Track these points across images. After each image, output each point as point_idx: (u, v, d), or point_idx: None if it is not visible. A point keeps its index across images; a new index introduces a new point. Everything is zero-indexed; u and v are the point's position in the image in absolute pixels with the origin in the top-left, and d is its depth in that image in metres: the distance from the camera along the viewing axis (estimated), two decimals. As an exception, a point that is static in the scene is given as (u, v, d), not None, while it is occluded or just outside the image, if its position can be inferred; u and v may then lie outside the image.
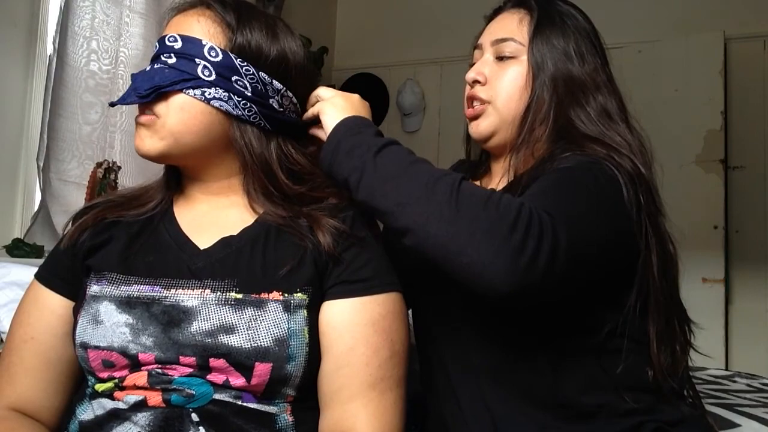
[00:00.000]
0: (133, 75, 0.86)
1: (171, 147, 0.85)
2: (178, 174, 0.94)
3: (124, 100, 0.84)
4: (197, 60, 0.84)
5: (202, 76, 0.84)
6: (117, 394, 0.80)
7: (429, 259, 0.76)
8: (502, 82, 0.99)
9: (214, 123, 0.86)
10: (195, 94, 0.84)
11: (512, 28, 1.00)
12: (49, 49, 2.04)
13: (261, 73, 0.88)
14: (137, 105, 0.86)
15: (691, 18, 3.25)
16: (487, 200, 0.74)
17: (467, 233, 0.72)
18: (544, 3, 1.01)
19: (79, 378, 0.89)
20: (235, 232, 0.87)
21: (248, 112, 0.87)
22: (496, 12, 1.07)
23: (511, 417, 0.88)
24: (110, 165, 2.06)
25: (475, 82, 1.01)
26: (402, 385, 0.83)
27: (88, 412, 0.82)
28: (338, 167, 0.84)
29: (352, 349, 0.80)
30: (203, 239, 0.87)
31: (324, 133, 0.90)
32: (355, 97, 0.98)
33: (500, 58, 1.00)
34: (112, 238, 0.89)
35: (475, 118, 1.01)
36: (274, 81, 0.89)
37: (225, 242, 0.86)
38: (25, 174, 2.07)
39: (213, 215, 0.90)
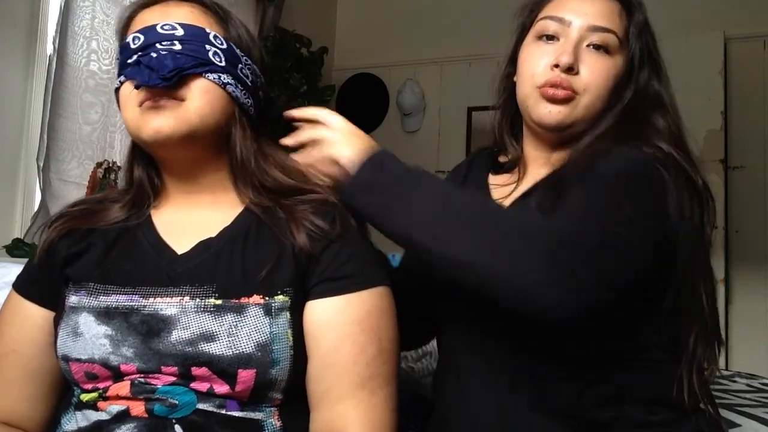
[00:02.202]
0: (134, 61, 0.81)
1: (196, 130, 0.81)
2: (156, 175, 0.92)
3: (148, 81, 0.78)
4: (207, 46, 0.82)
5: (215, 62, 0.82)
6: (100, 404, 0.79)
7: (473, 290, 0.75)
8: (599, 78, 0.91)
9: (226, 109, 0.84)
10: (213, 78, 0.82)
11: (614, 19, 0.92)
12: (49, 49, 2.04)
13: (252, 64, 0.89)
14: (143, 89, 0.81)
15: (691, 18, 3.24)
16: (532, 228, 0.73)
17: (515, 262, 0.71)
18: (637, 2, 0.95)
19: (63, 387, 0.87)
20: (214, 233, 0.85)
21: (248, 101, 0.87)
22: None
23: (525, 426, 0.86)
24: (110, 165, 2.06)
25: (569, 69, 0.90)
26: (392, 381, 0.81)
27: (72, 423, 0.81)
28: (367, 205, 0.82)
29: (337, 349, 0.78)
30: (182, 243, 0.85)
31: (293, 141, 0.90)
32: (361, 132, 0.90)
33: (596, 47, 0.91)
34: (90, 247, 0.86)
35: (558, 102, 0.91)
36: (260, 74, 0.91)
37: (204, 245, 0.84)
38: (25, 174, 2.07)
39: (192, 217, 0.88)
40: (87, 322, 0.80)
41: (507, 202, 0.96)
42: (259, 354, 0.76)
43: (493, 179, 1.03)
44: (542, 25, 0.94)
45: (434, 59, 3.89)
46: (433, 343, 1.69)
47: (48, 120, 1.99)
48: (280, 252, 0.81)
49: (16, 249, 1.85)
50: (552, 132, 0.94)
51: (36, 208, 2.03)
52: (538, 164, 0.98)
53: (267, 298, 0.78)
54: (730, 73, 3.19)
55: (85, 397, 0.80)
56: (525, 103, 0.95)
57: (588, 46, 0.91)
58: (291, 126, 0.94)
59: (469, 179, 1.07)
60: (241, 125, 0.86)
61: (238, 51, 0.86)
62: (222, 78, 0.83)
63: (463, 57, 3.83)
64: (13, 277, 1.47)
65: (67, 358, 0.80)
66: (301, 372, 0.80)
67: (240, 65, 0.86)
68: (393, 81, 3.98)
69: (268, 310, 0.78)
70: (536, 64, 0.93)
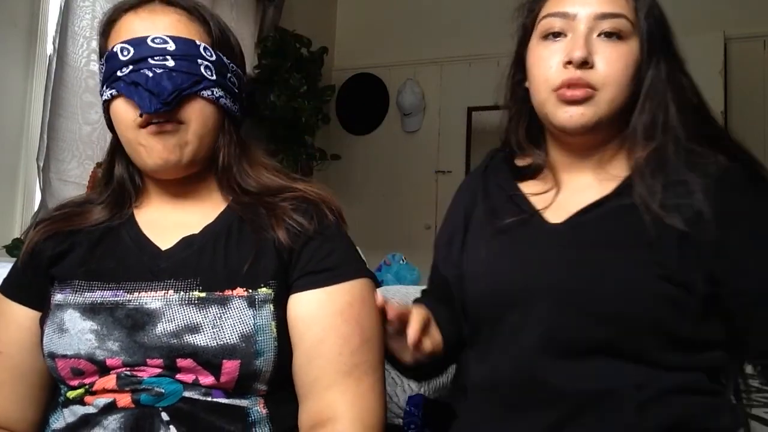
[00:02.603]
0: (126, 76, 0.81)
1: (196, 152, 0.84)
2: (137, 174, 0.92)
3: (150, 108, 0.78)
4: (198, 60, 0.82)
5: (207, 76, 0.83)
6: (87, 398, 0.79)
7: None
8: (617, 68, 0.84)
9: (217, 122, 0.86)
10: (207, 95, 0.83)
11: (620, 1, 0.85)
12: (49, 49, 2.04)
13: (236, 67, 0.89)
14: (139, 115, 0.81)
15: (691, 18, 3.24)
16: None
17: None
18: None
19: (52, 388, 0.88)
20: (197, 231, 0.86)
21: (235, 107, 0.88)
22: None
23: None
24: (110, 165, 2.06)
25: (584, 64, 0.83)
26: (379, 369, 0.82)
27: (60, 420, 0.81)
28: None
29: (322, 341, 0.80)
30: (165, 240, 0.86)
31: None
32: None
33: (608, 35, 0.84)
34: (75, 246, 0.87)
35: (577, 103, 0.84)
36: (242, 73, 0.90)
37: (187, 242, 0.85)
38: (25, 174, 2.07)
39: (175, 216, 0.89)
40: (72, 319, 0.80)
41: (553, 214, 0.90)
42: (243, 345, 0.77)
43: (525, 187, 0.95)
44: (546, 24, 0.87)
45: (434, 59, 3.89)
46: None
47: (48, 120, 2.00)
48: (262, 247, 0.83)
49: (16, 249, 1.85)
50: (578, 136, 0.87)
51: (36, 208, 2.03)
52: (573, 170, 0.91)
53: (250, 291, 0.80)
54: (730, 73, 3.19)
55: (71, 394, 0.81)
56: (543, 109, 0.88)
57: (599, 35, 0.84)
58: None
59: (493, 187, 0.98)
60: (228, 133, 0.87)
61: (224, 59, 0.86)
62: (215, 92, 0.84)
63: (463, 57, 3.83)
64: (13, 277, 1.46)
65: (53, 355, 0.80)
66: (285, 363, 0.81)
67: (228, 74, 0.86)
68: (393, 81, 3.99)
69: (251, 302, 0.79)
70: (547, 65, 0.86)
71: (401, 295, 1.81)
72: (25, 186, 2.07)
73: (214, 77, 0.83)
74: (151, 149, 0.81)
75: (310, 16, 3.76)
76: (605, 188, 0.86)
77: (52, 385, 0.87)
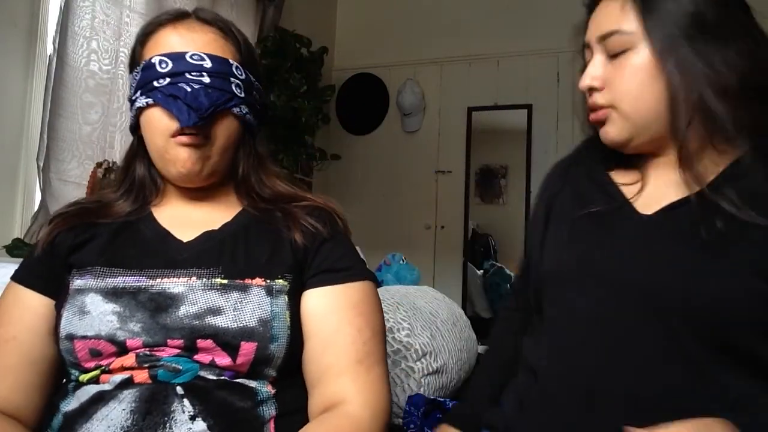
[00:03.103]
0: (164, 88, 0.86)
1: (217, 165, 0.90)
2: (158, 175, 0.96)
3: (189, 121, 0.84)
4: (231, 79, 0.89)
5: (237, 93, 0.89)
6: (103, 377, 0.81)
7: None
8: (621, 83, 0.86)
9: (239, 137, 0.92)
10: (236, 112, 0.90)
11: (615, 17, 0.86)
12: (49, 49, 2.04)
13: (259, 83, 0.95)
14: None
15: None
16: None
17: None
18: None
19: (58, 377, 0.90)
20: (216, 227, 0.91)
21: (255, 121, 0.94)
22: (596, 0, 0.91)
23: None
24: (110, 165, 2.06)
25: (591, 89, 0.88)
26: (385, 362, 0.88)
27: (71, 403, 0.82)
28: None
29: (337, 331, 0.85)
30: (185, 234, 0.91)
31: None
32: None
33: (613, 56, 0.87)
34: (95, 236, 0.90)
35: (601, 123, 0.89)
36: (261, 86, 0.97)
37: (207, 235, 0.90)
38: (25, 174, 2.07)
39: (194, 213, 0.94)
40: (94, 302, 0.83)
41: (643, 205, 0.89)
42: (261, 329, 0.82)
43: (616, 176, 0.94)
44: (585, 56, 0.93)
45: (434, 59, 3.90)
46: (433, 343, 1.69)
47: (48, 120, 2.00)
48: (279, 244, 0.89)
49: (16, 249, 1.85)
50: (623, 149, 0.90)
51: (36, 208, 2.03)
52: (659, 166, 0.91)
53: (268, 281, 0.85)
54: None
55: (84, 377, 0.83)
56: None
57: (609, 57, 0.88)
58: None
59: (582, 175, 0.98)
60: (248, 146, 0.94)
61: (251, 77, 0.93)
62: (242, 109, 0.91)
63: (463, 57, 3.83)
64: (13, 277, 1.47)
65: (72, 336, 0.82)
66: (296, 352, 0.85)
67: (253, 91, 0.94)
68: (393, 81, 3.99)
69: (269, 291, 0.85)
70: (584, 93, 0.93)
71: (401, 296, 1.82)
72: (25, 186, 2.07)
73: (243, 95, 0.90)
74: (177, 158, 0.87)
75: (310, 16, 3.76)
76: (691, 186, 0.85)
77: (59, 375, 0.89)
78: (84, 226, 0.91)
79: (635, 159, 0.93)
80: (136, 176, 0.96)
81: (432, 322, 1.80)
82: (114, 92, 2.26)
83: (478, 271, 3.84)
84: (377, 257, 2.81)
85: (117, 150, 2.28)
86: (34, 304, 0.88)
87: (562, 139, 3.61)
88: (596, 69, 0.88)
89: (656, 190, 0.89)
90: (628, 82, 0.85)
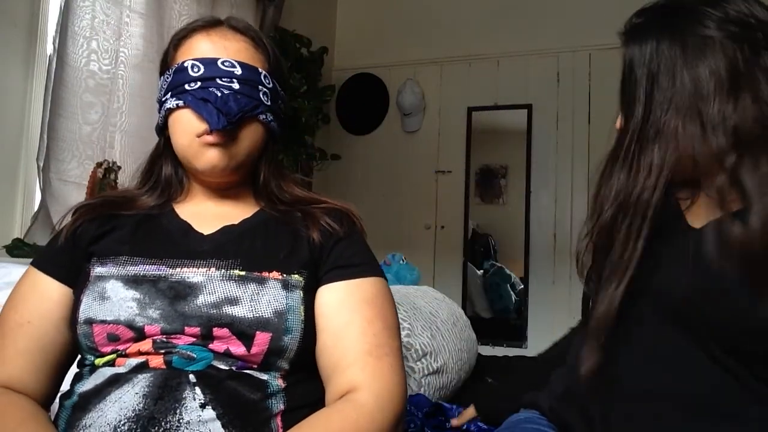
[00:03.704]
0: (195, 92, 0.90)
1: (242, 163, 0.94)
2: (183, 173, 1.01)
3: (218, 125, 0.88)
4: (259, 87, 0.93)
5: (264, 101, 0.94)
6: (119, 360, 0.84)
7: None
8: None
9: (264, 142, 0.97)
10: (263, 119, 0.94)
11: None
12: (49, 49, 2.04)
13: (284, 92, 1.00)
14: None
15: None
16: None
17: None
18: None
19: (67, 365, 0.93)
20: (235, 222, 0.95)
21: (279, 129, 0.99)
22: None
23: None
24: (110, 165, 2.06)
25: None
26: (398, 355, 0.90)
27: (86, 384, 0.84)
28: None
29: (349, 323, 0.88)
30: (206, 228, 0.94)
31: None
32: None
33: None
34: (117, 227, 0.94)
35: None
36: (286, 95, 1.01)
37: (227, 229, 0.94)
38: (25, 174, 2.07)
39: (214, 209, 0.98)
40: (115, 288, 0.86)
41: (694, 219, 0.88)
42: (276, 320, 0.85)
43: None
44: None
45: (434, 59, 3.90)
46: (433, 343, 1.69)
47: (48, 120, 2.00)
48: (297, 240, 0.93)
49: (16, 249, 1.85)
50: None
51: (36, 208, 2.03)
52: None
53: (285, 275, 0.89)
54: None
55: (99, 361, 0.86)
56: None
57: None
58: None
59: None
60: (270, 152, 0.99)
61: (277, 86, 0.98)
62: (268, 117, 0.95)
63: (463, 57, 3.83)
64: (13, 277, 1.48)
65: (91, 321, 0.85)
66: (308, 346, 0.88)
67: (279, 100, 0.98)
68: (393, 81, 3.99)
69: (285, 285, 0.88)
70: None
71: (401, 296, 1.81)
72: (25, 186, 2.07)
73: (269, 103, 0.95)
74: (203, 155, 0.91)
75: (310, 16, 3.76)
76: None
77: (67, 363, 0.93)
78: (107, 217, 0.95)
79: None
80: (162, 175, 1.00)
81: (432, 322, 1.80)
82: (114, 92, 2.26)
83: (478, 271, 3.84)
84: (377, 257, 2.81)
85: (117, 150, 2.28)
86: (51, 290, 0.91)
87: (562, 139, 3.61)
88: None
89: (703, 203, 0.88)
90: None
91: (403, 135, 3.97)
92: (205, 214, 0.97)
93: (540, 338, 3.38)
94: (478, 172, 3.82)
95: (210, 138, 0.90)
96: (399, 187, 3.93)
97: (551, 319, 3.49)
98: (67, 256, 0.93)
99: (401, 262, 2.82)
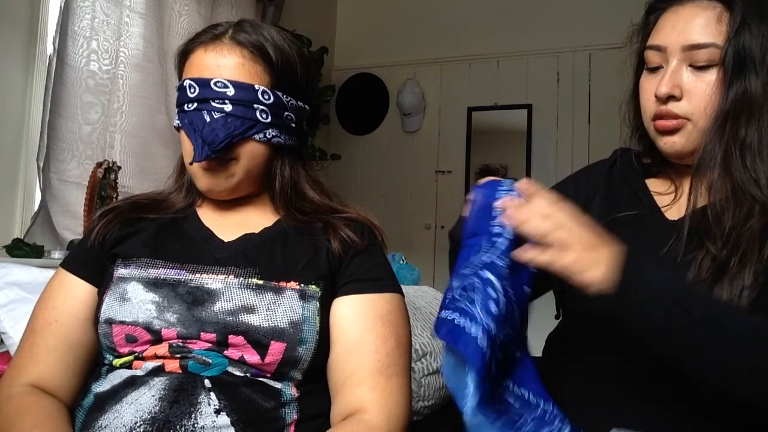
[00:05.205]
0: (190, 113, 0.90)
1: (242, 181, 0.94)
2: None
3: (200, 157, 0.88)
4: (255, 105, 0.91)
5: (261, 119, 0.91)
6: (136, 363, 0.85)
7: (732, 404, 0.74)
8: (703, 97, 0.86)
9: (269, 156, 0.95)
10: (260, 138, 0.92)
11: (711, 29, 0.85)
12: (49, 49, 2.04)
13: (298, 102, 0.97)
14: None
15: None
16: None
17: None
18: None
19: (93, 363, 0.93)
20: (256, 231, 0.96)
21: (290, 140, 0.97)
22: None
23: None
24: (110, 165, 2.06)
25: (671, 97, 0.87)
26: (407, 374, 0.90)
27: (104, 384, 0.86)
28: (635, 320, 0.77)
29: (362, 339, 0.88)
30: (226, 235, 0.96)
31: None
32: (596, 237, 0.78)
33: (698, 67, 0.87)
34: (140, 230, 0.96)
35: (670, 132, 0.89)
36: (305, 106, 0.99)
37: (247, 237, 0.95)
38: (25, 174, 2.07)
39: (236, 216, 0.99)
40: (135, 290, 0.88)
41: (673, 213, 0.93)
42: (291, 330, 0.85)
43: (651, 184, 0.98)
44: (647, 57, 0.92)
45: (434, 59, 3.89)
46: (433, 343, 1.69)
47: (48, 120, 2.00)
48: (316, 251, 0.93)
49: (16, 249, 1.85)
50: (678, 161, 0.92)
51: (36, 208, 2.03)
52: (687, 176, 0.93)
53: (302, 285, 0.89)
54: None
55: (118, 361, 0.87)
56: (650, 135, 0.94)
57: (690, 66, 0.87)
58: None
59: (618, 181, 1.00)
60: (281, 161, 0.97)
61: (283, 98, 0.94)
62: (267, 134, 0.93)
63: (463, 57, 3.83)
64: (13, 277, 1.48)
65: (111, 321, 0.86)
66: (322, 358, 0.88)
67: (285, 112, 0.95)
68: (393, 81, 3.99)
69: (302, 296, 0.88)
70: (646, 97, 0.92)
71: (401, 295, 1.82)
72: (25, 186, 2.07)
73: (269, 119, 0.92)
74: (199, 178, 0.94)
75: (310, 16, 3.76)
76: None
77: (93, 361, 0.93)
78: (131, 221, 0.97)
79: (671, 169, 0.95)
80: (186, 176, 1.02)
81: (432, 322, 1.80)
82: (114, 92, 2.26)
83: (478, 271, 3.84)
84: (377, 257, 2.81)
85: (117, 150, 2.28)
86: (78, 290, 0.93)
87: (562, 139, 3.61)
88: (678, 77, 0.87)
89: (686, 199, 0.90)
90: (708, 96, 0.86)
91: (403, 135, 3.97)
92: (226, 220, 0.98)
93: (539, 338, 3.38)
94: (478, 172, 3.82)
95: (204, 164, 0.91)
96: (399, 187, 3.93)
97: (551, 319, 3.49)
98: (92, 256, 0.95)
99: (401, 262, 2.81)
